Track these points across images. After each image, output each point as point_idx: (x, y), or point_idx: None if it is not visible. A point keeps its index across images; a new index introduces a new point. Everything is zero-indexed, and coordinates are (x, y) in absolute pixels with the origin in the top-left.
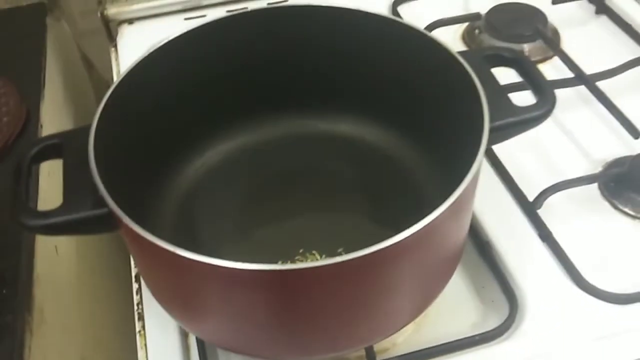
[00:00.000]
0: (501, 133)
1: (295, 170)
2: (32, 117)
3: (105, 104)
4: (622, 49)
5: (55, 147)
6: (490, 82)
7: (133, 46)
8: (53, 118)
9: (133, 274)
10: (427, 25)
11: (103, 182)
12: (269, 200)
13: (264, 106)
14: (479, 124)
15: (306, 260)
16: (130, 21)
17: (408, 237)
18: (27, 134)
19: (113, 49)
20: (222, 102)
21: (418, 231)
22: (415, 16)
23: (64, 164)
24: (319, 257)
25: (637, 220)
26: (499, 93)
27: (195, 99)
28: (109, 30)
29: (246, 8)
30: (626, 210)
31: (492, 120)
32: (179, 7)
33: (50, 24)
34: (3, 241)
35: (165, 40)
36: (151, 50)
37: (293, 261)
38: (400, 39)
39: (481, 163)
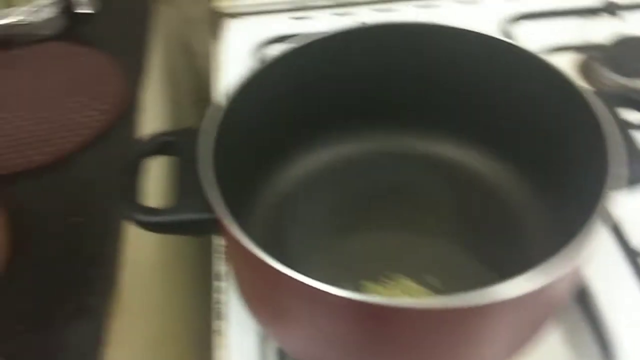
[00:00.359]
0: (623, 181)
1: (387, 188)
2: (134, 101)
3: (226, 109)
4: None
5: (169, 145)
6: (615, 122)
7: (235, 40)
8: (153, 104)
9: (213, 272)
10: (543, 50)
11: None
12: (359, 216)
13: (364, 120)
14: (599, 168)
15: (390, 283)
16: (236, 15)
17: (525, 294)
18: (129, 119)
19: (216, 41)
20: (323, 112)
21: (535, 290)
22: (527, 37)
23: (179, 162)
24: (404, 281)
25: None
26: (623, 135)
27: (299, 108)
28: (214, 22)
29: (352, 14)
30: None
31: (615, 165)
32: (286, 6)
33: (159, 8)
34: (95, 225)
35: (284, 51)
36: (270, 59)
37: (378, 282)
38: (516, 64)
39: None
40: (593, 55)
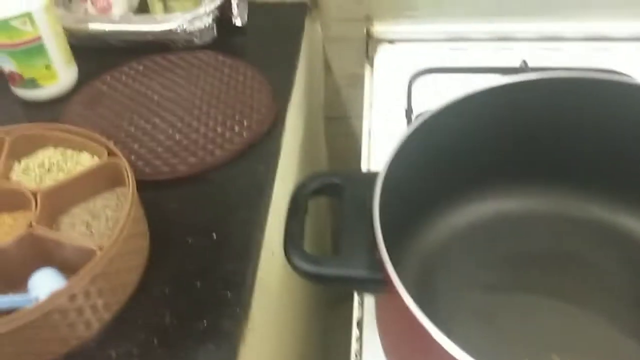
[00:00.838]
0: None
1: (555, 255)
2: (279, 118)
3: (396, 154)
4: None
5: (333, 186)
6: None
7: (389, 66)
8: (294, 121)
9: (355, 322)
10: None
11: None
12: (520, 283)
13: (535, 176)
14: None
15: None
16: (392, 41)
17: None
18: (273, 136)
19: (369, 65)
20: (492, 163)
21: None
22: None
23: (343, 208)
24: None
25: None
26: None
27: (467, 156)
28: (368, 46)
29: (510, 49)
30: None
31: None
32: (444, 37)
33: (307, 26)
34: (232, 243)
35: (450, 101)
36: (436, 110)
37: None
38: None
39: None
40: None
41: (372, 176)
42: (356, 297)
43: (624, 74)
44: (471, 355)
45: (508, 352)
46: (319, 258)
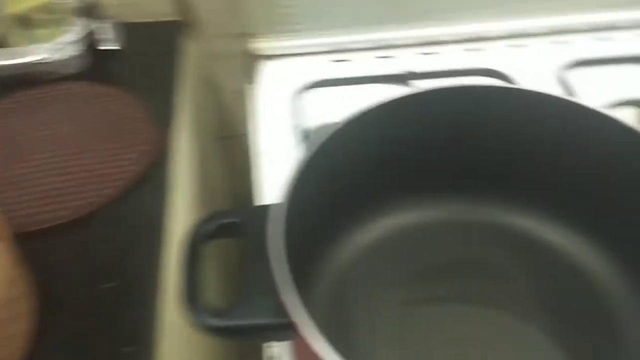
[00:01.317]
0: None
1: (463, 262)
2: (165, 147)
3: (292, 189)
4: None
5: (232, 226)
6: None
7: (273, 83)
8: (182, 146)
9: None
10: (606, 104)
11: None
12: (432, 295)
13: (432, 188)
14: None
15: None
16: (273, 57)
17: None
18: (161, 166)
19: (251, 83)
20: (389, 181)
21: None
22: (584, 86)
23: (245, 251)
24: None
25: None
26: None
27: (365, 178)
28: (249, 63)
29: (394, 57)
30: None
31: None
32: (325, 49)
33: (183, 44)
34: (130, 291)
35: (347, 120)
36: (335, 130)
37: None
38: (608, 134)
39: None
40: None
41: (272, 211)
42: None
43: (502, 73)
44: None
45: None
46: (223, 311)
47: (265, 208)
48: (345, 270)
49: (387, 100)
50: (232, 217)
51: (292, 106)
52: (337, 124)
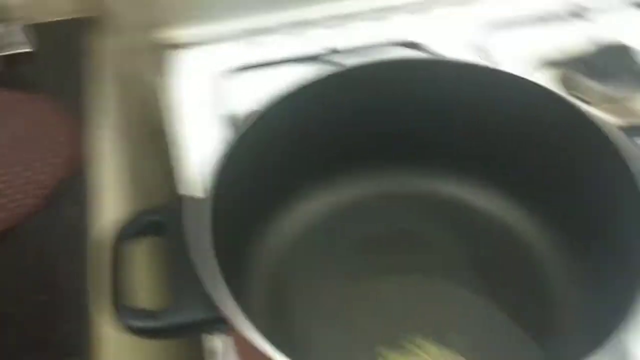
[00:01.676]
0: None
1: (392, 234)
2: (89, 149)
3: (216, 179)
4: None
5: (155, 225)
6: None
7: (191, 72)
8: (108, 147)
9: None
10: (522, 67)
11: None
12: (366, 270)
13: (363, 163)
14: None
15: (412, 350)
16: (188, 46)
17: None
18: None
19: (169, 76)
20: (317, 161)
21: None
22: (504, 52)
23: (168, 248)
24: (425, 345)
25: None
26: None
27: (293, 159)
28: (164, 55)
29: (315, 35)
30: None
31: None
32: (242, 33)
33: (96, 41)
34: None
35: (273, 100)
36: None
37: (397, 350)
38: (525, 98)
39: None
40: (574, 66)
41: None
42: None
43: (418, 44)
44: None
45: (367, 345)
46: (151, 312)
47: (187, 203)
48: (282, 254)
49: (309, 81)
50: (156, 215)
51: (213, 94)
52: (257, 110)
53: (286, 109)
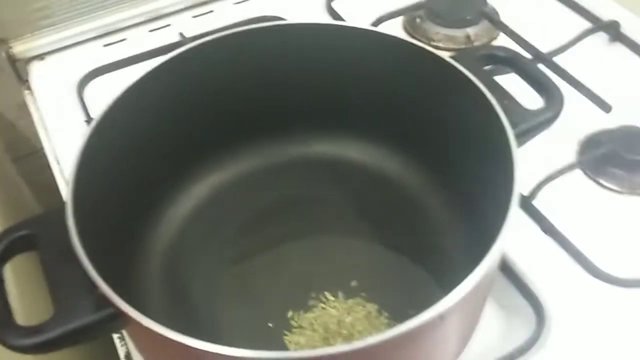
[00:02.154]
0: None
1: (279, 203)
2: None
3: (75, 178)
4: (563, 20)
5: (24, 239)
6: (493, 85)
7: (49, 84)
8: None
9: (122, 355)
10: (371, 22)
11: (99, 274)
12: (260, 242)
13: (233, 139)
14: (494, 137)
15: (320, 305)
16: (42, 57)
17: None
18: None
19: (27, 90)
20: (188, 141)
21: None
22: (352, 12)
23: (42, 260)
24: (331, 299)
25: (624, 195)
26: (504, 96)
27: (160, 142)
28: (17, 70)
29: (169, 25)
30: (612, 187)
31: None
32: (95, 34)
33: None
34: None
35: (118, 93)
36: (104, 109)
37: (305, 308)
38: (378, 50)
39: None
40: (414, 14)
41: (62, 210)
42: (115, 335)
43: (277, 16)
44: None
45: (276, 312)
46: (36, 327)
47: (55, 211)
48: (174, 239)
49: (154, 67)
50: (20, 230)
51: (78, 102)
52: (105, 105)
53: (138, 95)
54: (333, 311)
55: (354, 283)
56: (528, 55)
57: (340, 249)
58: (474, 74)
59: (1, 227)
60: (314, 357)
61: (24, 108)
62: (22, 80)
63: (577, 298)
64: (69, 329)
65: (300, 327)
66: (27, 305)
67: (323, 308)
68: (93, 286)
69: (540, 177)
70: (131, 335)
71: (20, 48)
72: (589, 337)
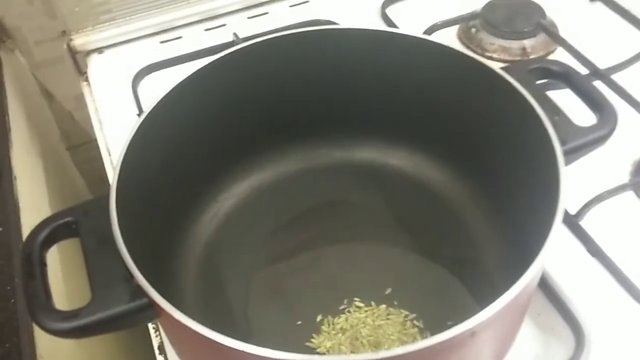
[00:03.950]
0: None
1: (319, 206)
2: (3, 167)
3: (120, 169)
4: (623, 35)
5: (68, 226)
6: (544, 100)
7: (106, 77)
8: (24, 165)
9: (156, 345)
10: (425, 30)
11: (136, 265)
12: (297, 244)
13: (278, 140)
14: (542, 152)
15: (351, 310)
16: (100, 50)
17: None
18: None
19: (84, 82)
20: (234, 140)
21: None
22: (406, 19)
23: (83, 247)
24: (363, 305)
25: None
26: (555, 112)
27: (206, 139)
28: (77, 62)
29: (224, 25)
30: None
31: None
32: (152, 31)
33: (2, 57)
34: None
35: (170, 88)
36: (155, 103)
37: (336, 314)
38: (428, 58)
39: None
40: (469, 23)
41: (106, 198)
42: (150, 325)
43: (330, 20)
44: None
45: (307, 315)
46: (73, 312)
47: (98, 199)
48: (211, 237)
49: (206, 65)
50: (64, 218)
51: (132, 96)
52: (156, 99)
53: (186, 95)
54: (364, 317)
55: (388, 291)
56: (585, 71)
57: (376, 256)
58: (525, 87)
59: (46, 212)
60: None
61: (81, 99)
62: (81, 72)
63: (619, 322)
64: (104, 316)
65: (330, 331)
66: (72, 289)
67: (354, 313)
68: (130, 276)
69: (590, 197)
70: (163, 327)
71: (80, 41)
72: None
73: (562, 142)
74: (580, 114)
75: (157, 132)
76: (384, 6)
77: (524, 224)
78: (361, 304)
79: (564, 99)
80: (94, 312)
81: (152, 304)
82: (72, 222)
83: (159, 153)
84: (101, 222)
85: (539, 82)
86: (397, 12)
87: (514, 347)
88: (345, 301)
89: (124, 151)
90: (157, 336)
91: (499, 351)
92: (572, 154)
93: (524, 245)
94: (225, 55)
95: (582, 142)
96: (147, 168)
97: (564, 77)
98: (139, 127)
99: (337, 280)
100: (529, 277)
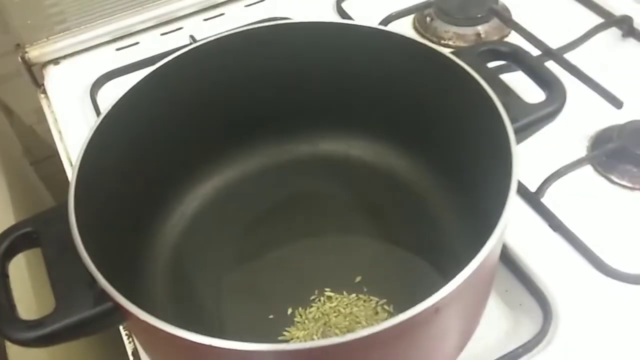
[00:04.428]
0: (517, 136)
1: (285, 202)
2: None
3: (78, 175)
4: (575, 16)
5: (28, 236)
6: (494, 80)
7: (64, 87)
8: None
9: (129, 352)
10: (380, 21)
11: (99, 270)
12: (265, 240)
13: (239, 138)
14: (494, 131)
15: (323, 300)
16: (56, 61)
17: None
18: None
19: (42, 94)
20: (194, 140)
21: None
22: (362, 12)
23: (44, 256)
24: (334, 294)
25: (636, 192)
26: (505, 91)
27: (167, 141)
28: (33, 75)
29: (181, 28)
30: (623, 183)
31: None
32: (108, 38)
33: None
34: None
35: (126, 90)
36: (111, 105)
37: (307, 306)
38: (382, 47)
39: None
40: (424, 12)
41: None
42: (122, 331)
43: (286, 17)
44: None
45: (279, 308)
46: (39, 320)
47: (58, 207)
48: (179, 236)
49: (161, 65)
50: (24, 228)
51: (91, 105)
52: (112, 102)
53: (146, 92)
54: (334, 306)
55: (357, 279)
56: (538, 52)
57: (344, 246)
58: (475, 70)
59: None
60: (303, 349)
61: (41, 113)
62: (38, 84)
63: (585, 295)
64: (69, 323)
65: (303, 321)
66: (42, 298)
67: (325, 303)
68: (93, 281)
69: (549, 173)
70: (133, 332)
71: (35, 53)
72: (596, 334)
73: (513, 120)
74: (533, 94)
75: (115, 134)
76: (340, 0)
77: (482, 201)
78: (331, 294)
79: (516, 80)
80: (59, 319)
81: (118, 307)
82: (33, 232)
83: (119, 156)
84: (62, 229)
85: (492, 65)
86: (352, 6)
87: (483, 324)
88: (315, 292)
89: (81, 154)
90: (130, 342)
91: (467, 328)
92: (524, 131)
93: (483, 221)
94: (179, 55)
95: (532, 119)
96: (107, 171)
97: (512, 56)
98: (96, 130)
99: (307, 273)
100: (487, 249)
